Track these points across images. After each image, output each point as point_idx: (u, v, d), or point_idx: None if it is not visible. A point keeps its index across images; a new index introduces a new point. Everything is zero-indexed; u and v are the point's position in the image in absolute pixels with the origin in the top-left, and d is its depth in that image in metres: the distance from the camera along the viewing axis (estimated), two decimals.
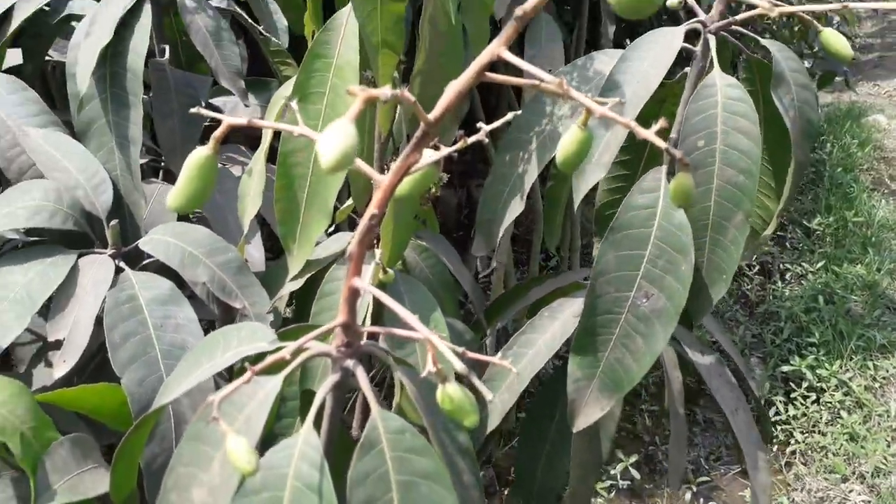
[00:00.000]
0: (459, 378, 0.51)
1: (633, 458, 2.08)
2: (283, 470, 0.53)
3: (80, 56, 0.91)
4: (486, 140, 0.56)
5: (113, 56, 0.93)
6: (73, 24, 1.16)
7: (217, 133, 0.53)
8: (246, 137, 1.34)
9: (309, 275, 0.95)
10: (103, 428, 0.84)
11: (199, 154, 0.53)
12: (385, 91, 0.39)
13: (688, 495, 2.05)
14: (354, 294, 0.55)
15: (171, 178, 1.12)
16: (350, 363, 0.57)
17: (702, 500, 2.04)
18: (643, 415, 2.29)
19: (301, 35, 1.22)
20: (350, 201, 1.03)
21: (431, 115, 0.47)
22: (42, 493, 0.65)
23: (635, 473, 2.05)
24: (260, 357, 0.62)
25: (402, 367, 0.60)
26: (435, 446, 0.56)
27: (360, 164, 0.52)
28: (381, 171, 0.98)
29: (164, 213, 1.03)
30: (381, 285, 0.89)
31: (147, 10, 0.94)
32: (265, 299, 0.92)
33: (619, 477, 2.05)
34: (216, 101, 1.21)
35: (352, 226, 1.04)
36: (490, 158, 1.73)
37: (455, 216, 2.43)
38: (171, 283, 0.88)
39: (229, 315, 1.04)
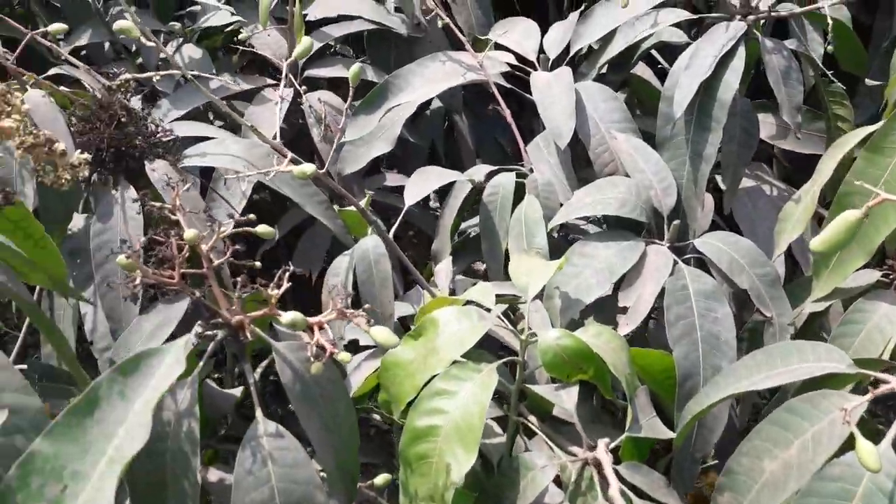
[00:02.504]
0: None
1: None
2: (861, 471, 0.67)
3: (680, 83, 1.12)
4: None
5: (705, 86, 1.12)
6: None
7: (872, 202, 0.67)
8: (770, 158, 1.48)
9: (832, 301, 1.07)
10: None
11: (851, 215, 0.68)
12: None
13: None
14: None
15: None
16: None
17: None
18: None
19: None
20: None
21: None
22: (633, 425, 0.89)
23: None
24: (831, 377, 0.77)
25: None
26: None
27: None
28: None
29: (702, 219, 1.22)
30: None
31: (742, 53, 1.11)
32: (789, 312, 1.07)
33: None
34: None
35: (879, 264, 1.12)
36: None
37: None
38: (715, 281, 1.07)
39: None
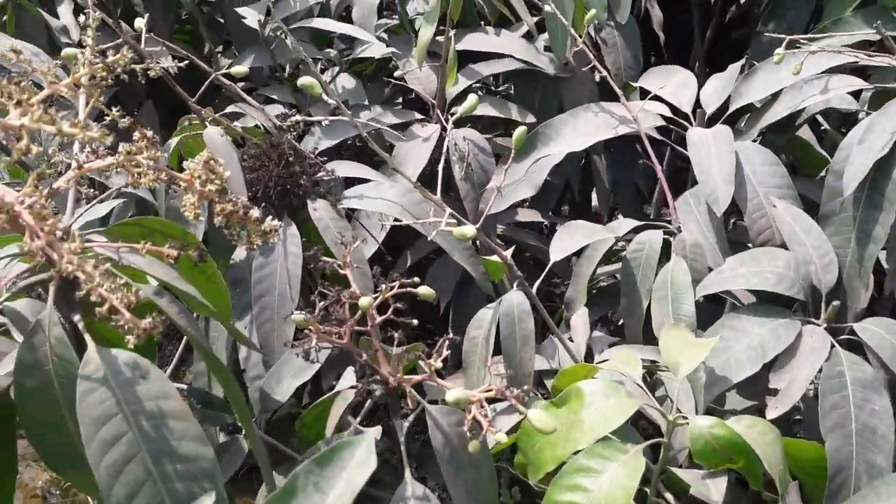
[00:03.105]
0: None
1: None
2: None
3: (853, 158, 1.07)
4: None
5: (879, 163, 1.06)
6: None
7: None
8: None
9: None
10: None
11: None
12: None
13: None
14: None
15: None
16: None
17: None
18: None
19: None
20: None
21: None
22: None
23: None
24: None
25: None
26: None
27: None
28: None
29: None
30: None
31: None
32: None
33: None
34: None
35: None
36: None
37: None
38: (874, 370, 1.01)
39: None
